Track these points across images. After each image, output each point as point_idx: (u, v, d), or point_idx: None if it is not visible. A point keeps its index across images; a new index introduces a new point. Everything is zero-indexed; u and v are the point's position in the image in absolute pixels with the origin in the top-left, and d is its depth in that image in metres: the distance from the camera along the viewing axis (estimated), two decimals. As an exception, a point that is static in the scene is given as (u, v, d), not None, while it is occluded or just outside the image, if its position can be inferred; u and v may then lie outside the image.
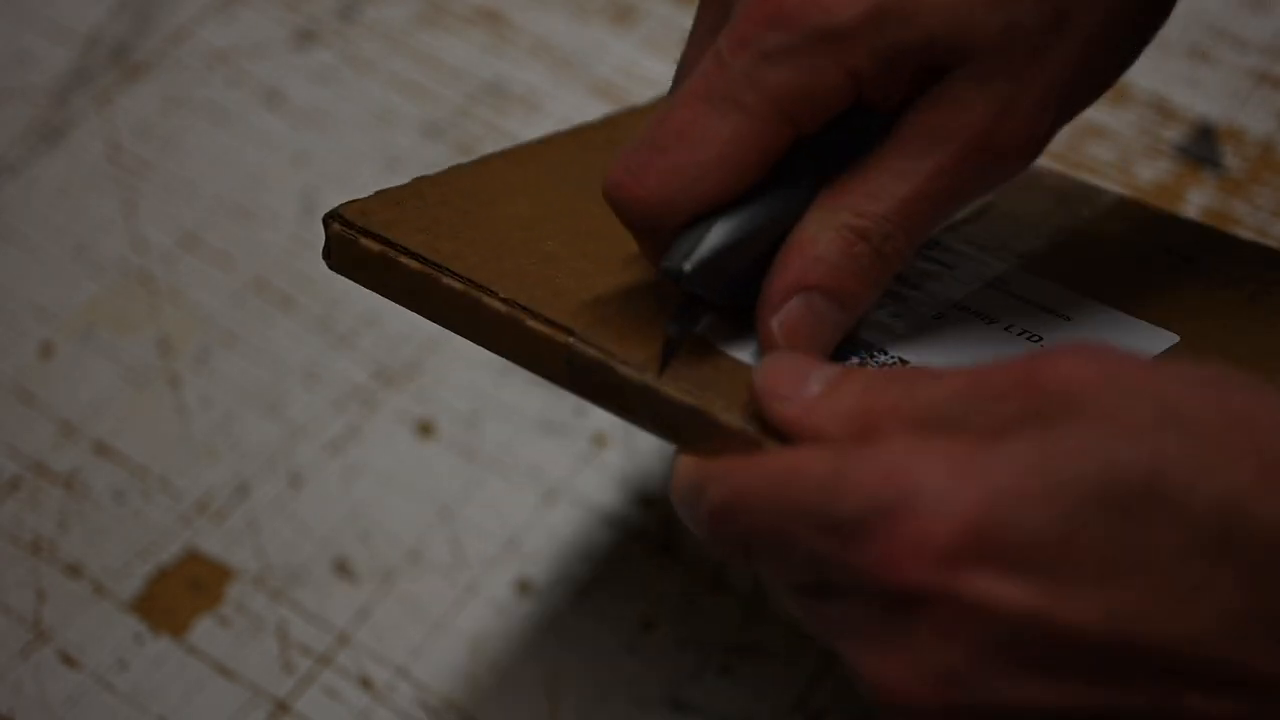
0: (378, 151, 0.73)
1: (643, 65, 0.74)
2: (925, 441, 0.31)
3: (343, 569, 0.62)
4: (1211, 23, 0.74)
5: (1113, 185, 0.70)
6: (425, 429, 0.65)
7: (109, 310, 0.69)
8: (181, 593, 0.61)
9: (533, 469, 0.64)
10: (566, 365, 0.43)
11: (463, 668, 0.59)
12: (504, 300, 0.44)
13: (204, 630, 0.60)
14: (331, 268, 0.48)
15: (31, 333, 0.69)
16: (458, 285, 0.45)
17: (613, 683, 0.58)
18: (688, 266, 0.40)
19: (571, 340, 0.43)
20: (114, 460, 0.65)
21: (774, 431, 0.37)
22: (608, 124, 0.56)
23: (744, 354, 0.42)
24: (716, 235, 0.40)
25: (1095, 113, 0.72)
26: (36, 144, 0.75)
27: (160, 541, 0.63)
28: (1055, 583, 0.29)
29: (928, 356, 0.43)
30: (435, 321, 0.46)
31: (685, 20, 0.75)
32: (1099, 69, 0.40)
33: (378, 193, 0.48)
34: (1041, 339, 0.44)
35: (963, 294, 0.46)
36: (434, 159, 0.73)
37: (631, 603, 0.60)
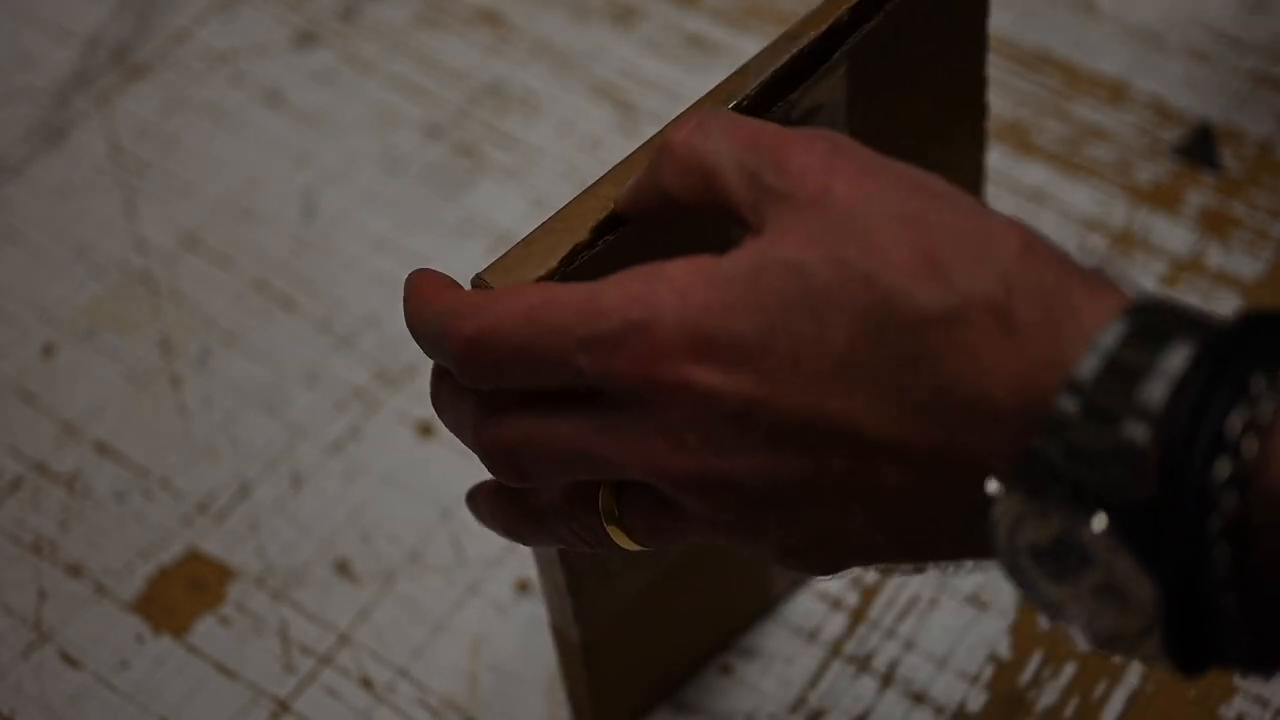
0: (378, 151, 0.73)
1: (643, 66, 0.74)
2: (664, 267, 0.38)
3: (343, 569, 0.62)
4: (1210, 24, 0.75)
5: (1112, 186, 0.70)
6: (426, 430, 0.65)
7: (110, 311, 0.70)
8: (183, 593, 0.62)
9: (533, 469, 0.64)
10: None
11: (463, 668, 0.59)
12: None
13: (205, 630, 0.61)
14: None
15: (33, 333, 0.69)
16: None
17: (613, 682, 0.58)
18: None
19: None
20: (115, 460, 0.65)
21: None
22: None
23: None
24: None
25: (1094, 114, 0.72)
26: (38, 145, 0.75)
27: (161, 541, 0.63)
28: (760, 375, 0.37)
29: None
30: None
31: (686, 21, 0.75)
32: None
33: None
34: None
35: None
36: (434, 159, 0.73)
37: (631, 603, 0.60)
